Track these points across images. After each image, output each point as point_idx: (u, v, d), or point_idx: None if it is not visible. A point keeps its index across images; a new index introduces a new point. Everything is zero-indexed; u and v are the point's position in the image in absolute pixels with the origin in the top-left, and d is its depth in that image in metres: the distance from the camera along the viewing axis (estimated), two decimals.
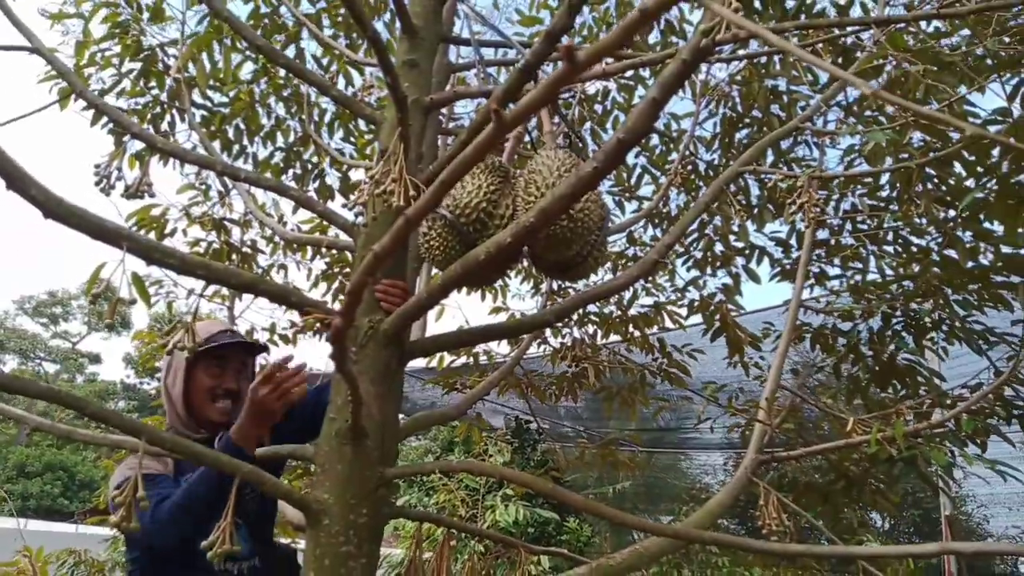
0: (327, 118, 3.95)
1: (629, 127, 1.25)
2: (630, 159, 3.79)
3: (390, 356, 1.81)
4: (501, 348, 4.61)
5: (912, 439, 2.89)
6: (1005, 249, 2.82)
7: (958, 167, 2.78)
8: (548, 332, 4.55)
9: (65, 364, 44.16)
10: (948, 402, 3.08)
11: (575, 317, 4.47)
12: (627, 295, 4.13)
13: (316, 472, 1.74)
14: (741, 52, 2.66)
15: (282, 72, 3.73)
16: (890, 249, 3.15)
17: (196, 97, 3.66)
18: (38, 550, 3.70)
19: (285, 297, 1.61)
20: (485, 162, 1.76)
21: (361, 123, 4.00)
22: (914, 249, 3.26)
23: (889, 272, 3.22)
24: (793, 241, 3.43)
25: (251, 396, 1.80)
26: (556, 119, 1.99)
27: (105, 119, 3.05)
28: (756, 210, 3.36)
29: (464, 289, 4.50)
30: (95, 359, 46.33)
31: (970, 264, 2.83)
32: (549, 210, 1.42)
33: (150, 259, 1.54)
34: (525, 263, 4.78)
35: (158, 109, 3.60)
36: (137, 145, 3.31)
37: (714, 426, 3.30)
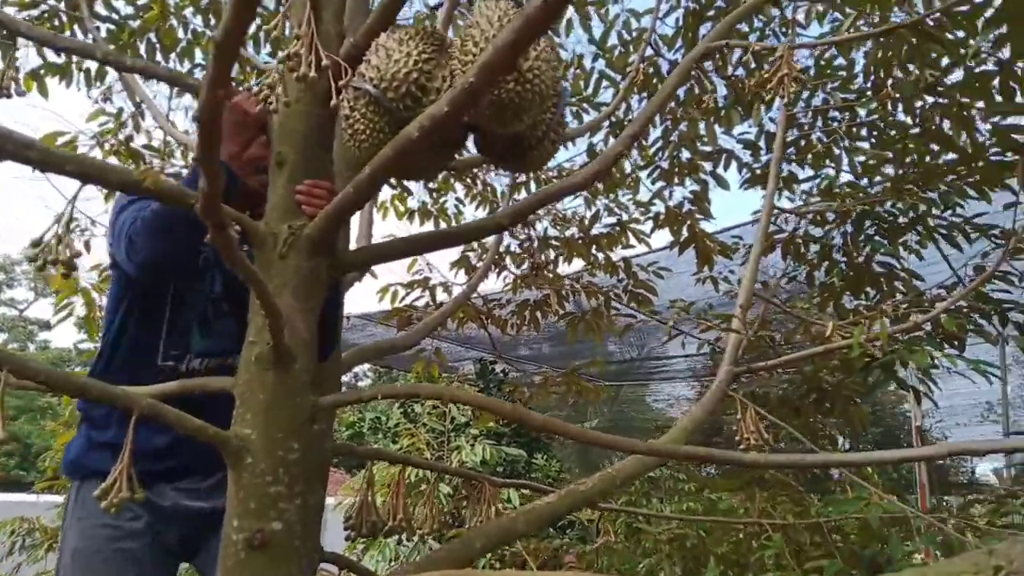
0: (252, 30, 3.55)
1: None
2: (587, 63, 3.50)
3: (317, 266, 1.54)
4: (459, 279, 4.37)
5: (891, 342, 2.75)
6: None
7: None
8: (508, 261, 4.33)
9: (13, 332, 42.61)
10: (925, 303, 2.95)
11: (536, 243, 4.24)
12: (588, 215, 3.90)
13: (236, 405, 1.49)
14: None
15: None
16: (865, 145, 2.95)
17: (100, 8, 3.24)
18: None
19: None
20: (416, 28, 1.48)
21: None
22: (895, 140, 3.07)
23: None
24: (762, 143, 3.21)
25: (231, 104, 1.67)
26: None
27: None
28: (723, 111, 3.11)
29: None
30: (45, 326, 44.83)
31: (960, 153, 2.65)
32: (493, 64, 1.16)
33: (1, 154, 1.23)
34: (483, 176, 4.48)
35: (56, 22, 3.17)
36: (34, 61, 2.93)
37: (685, 342, 3.12)
